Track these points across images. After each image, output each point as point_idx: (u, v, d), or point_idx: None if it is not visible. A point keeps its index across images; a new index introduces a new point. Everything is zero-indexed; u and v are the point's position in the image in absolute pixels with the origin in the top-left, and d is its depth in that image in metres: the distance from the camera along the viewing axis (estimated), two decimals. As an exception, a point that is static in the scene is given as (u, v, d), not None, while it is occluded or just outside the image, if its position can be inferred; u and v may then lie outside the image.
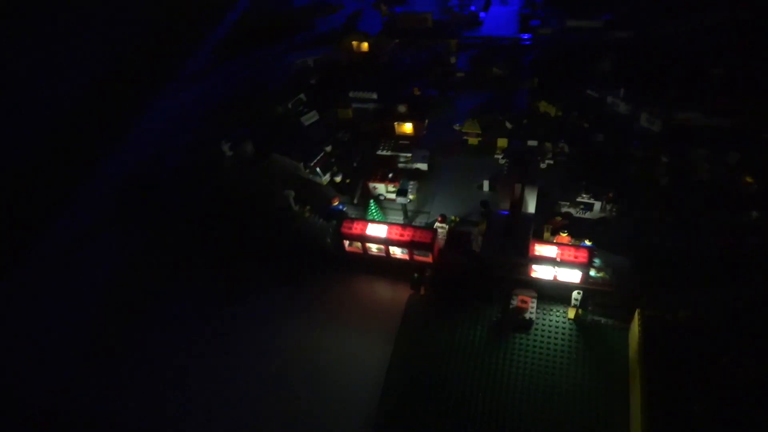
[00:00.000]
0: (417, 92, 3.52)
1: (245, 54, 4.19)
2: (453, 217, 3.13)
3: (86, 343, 3.06)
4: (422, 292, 3.08)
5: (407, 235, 3.08)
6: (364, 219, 3.23)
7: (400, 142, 3.29)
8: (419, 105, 3.45)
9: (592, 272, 2.88)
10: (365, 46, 3.84)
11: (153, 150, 3.62)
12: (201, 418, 2.78)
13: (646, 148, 3.04)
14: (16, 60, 6.38)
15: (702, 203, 2.97)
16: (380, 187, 3.59)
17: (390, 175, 3.55)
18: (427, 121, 3.36)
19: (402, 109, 3.32)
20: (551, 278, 2.83)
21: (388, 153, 3.39)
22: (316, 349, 2.98)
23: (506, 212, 2.79)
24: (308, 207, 3.17)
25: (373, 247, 3.18)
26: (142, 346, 3.04)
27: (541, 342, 2.96)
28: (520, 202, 2.86)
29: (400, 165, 3.69)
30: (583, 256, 2.77)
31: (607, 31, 3.78)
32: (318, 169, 3.29)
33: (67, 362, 3.02)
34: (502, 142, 3.72)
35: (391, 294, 3.14)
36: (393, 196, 3.34)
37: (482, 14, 4.09)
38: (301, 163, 3.25)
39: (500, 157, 3.28)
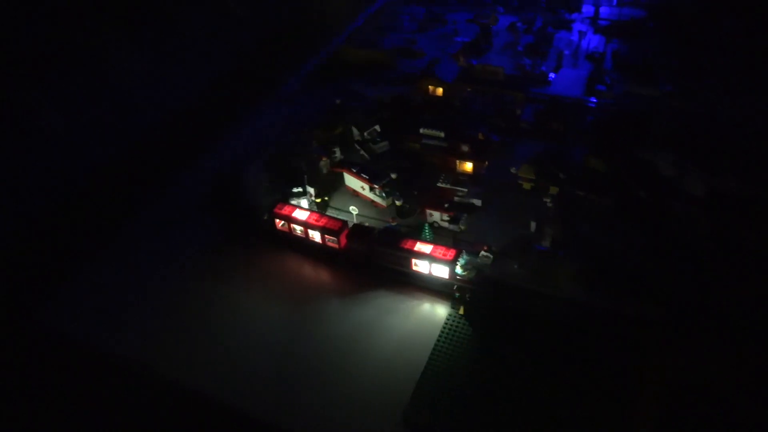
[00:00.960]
0: (481, 136, 3.84)
1: (334, 83, 4.64)
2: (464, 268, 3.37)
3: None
4: (461, 311, 3.38)
5: (321, 222, 3.51)
6: (418, 239, 3.65)
7: (460, 177, 3.61)
8: (481, 147, 3.76)
9: (459, 269, 3.18)
10: (440, 90, 4.23)
11: (241, 157, 4.05)
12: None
13: (688, 210, 3.22)
14: (132, 66, 7.18)
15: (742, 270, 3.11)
16: (435, 215, 3.92)
17: (446, 205, 3.88)
18: (486, 162, 3.67)
19: (465, 148, 3.65)
20: (427, 272, 3.20)
21: (447, 186, 3.72)
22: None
23: (543, 248, 3.06)
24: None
25: (297, 229, 3.51)
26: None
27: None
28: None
29: (457, 198, 4.02)
30: (450, 254, 3.12)
31: (666, 100, 4.01)
32: (382, 192, 3.63)
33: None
34: (553, 189, 3.99)
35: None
36: (446, 224, 3.66)
37: (552, 75, 4.41)
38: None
39: (548, 200, 3.56)
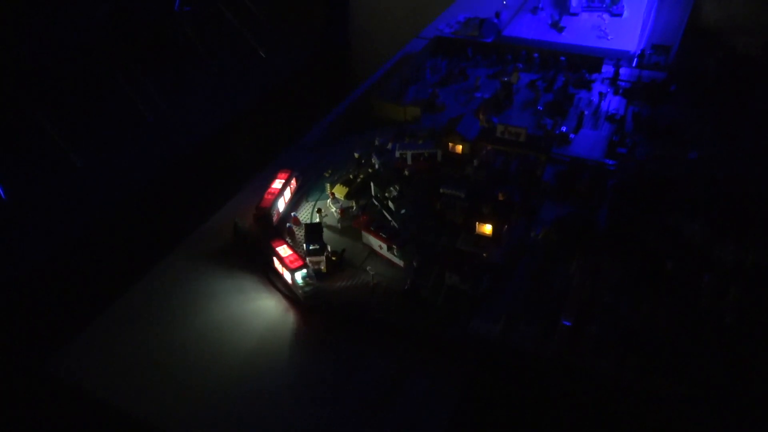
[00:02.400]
0: (501, 197, 3.81)
1: (354, 134, 4.68)
2: None
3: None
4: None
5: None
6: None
7: (480, 239, 3.57)
8: (502, 208, 3.73)
9: (299, 280, 3.15)
10: (460, 147, 4.24)
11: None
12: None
13: (716, 281, 3.15)
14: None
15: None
16: (454, 277, 3.85)
17: (465, 268, 3.81)
18: (506, 225, 3.63)
19: (485, 210, 3.62)
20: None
21: (467, 248, 3.66)
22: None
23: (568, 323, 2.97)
24: None
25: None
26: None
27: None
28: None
29: (477, 261, 3.94)
30: (297, 262, 3.08)
31: (693, 165, 3.97)
32: (400, 252, 3.60)
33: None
34: (577, 255, 3.91)
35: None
36: (465, 286, 3.58)
37: (572, 135, 4.41)
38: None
39: (573, 268, 3.48)
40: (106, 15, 7.93)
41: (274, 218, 3.82)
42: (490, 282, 3.24)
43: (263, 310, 3.28)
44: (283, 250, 3.39)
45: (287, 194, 3.95)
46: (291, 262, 3.45)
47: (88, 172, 6.65)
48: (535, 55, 5.44)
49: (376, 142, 4.40)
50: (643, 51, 5.26)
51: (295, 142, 4.69)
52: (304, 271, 3.24)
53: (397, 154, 4.15)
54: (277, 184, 3.89)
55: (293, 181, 4.03)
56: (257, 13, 8.71)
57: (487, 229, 3.61)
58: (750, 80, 4.61)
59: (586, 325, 2.91)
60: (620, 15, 6.30)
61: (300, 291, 3.23)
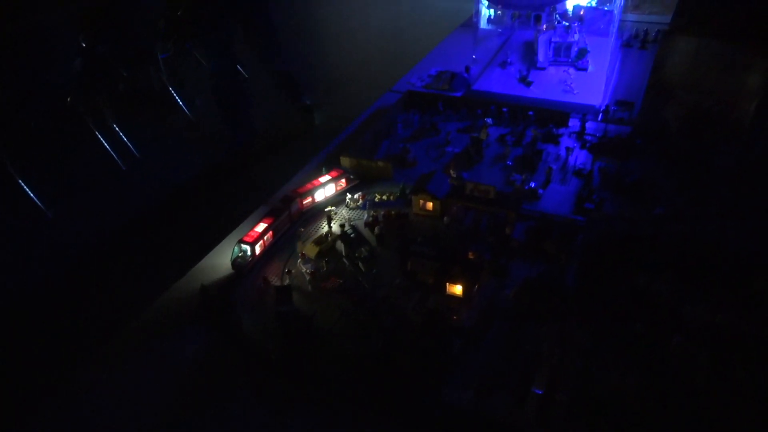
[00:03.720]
0: (472, 255, 3.81)
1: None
2: None
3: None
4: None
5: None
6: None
7: (451, 300, 3.55)
8: (472, 268, 3.72)
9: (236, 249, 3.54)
10: (430, 205, 4.25)
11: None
12: None
13: (686, 343, 3.15)
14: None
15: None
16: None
17: (436, 330, 3.77)
18: (477, 285, 3.62)
19: (455, 270, 3.61)
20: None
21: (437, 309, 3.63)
22: None
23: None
24: None
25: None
26: None
27: None
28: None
29: (448, 323, 3.90)
30: (250, 238, 3.55)
31: (659, 223, 4.02)
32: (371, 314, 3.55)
33: None
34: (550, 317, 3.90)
35: None
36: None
37: (541, 191, 4.46)
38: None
39: (545, 332, 3.46)
40: (81, 67, 7.93)
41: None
42: (461, 346, 3.21)
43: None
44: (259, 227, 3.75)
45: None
46: (248, 235, 3.71)
47: (60, 224, 6.54)
48: (504, 109, 5.55)
49: (347, 200, 4.40)
50: (607, 106, 5.39)
51: (265, 200, 4.66)
52: (247, 248, 3.58)
53: (367, 214, 4.15)
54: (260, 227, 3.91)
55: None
56: (239, 68, 8.80)
57: (458, 289, 3.59)
58: (711, 137, 4.75)
59: (557, 392, 2.88)
60: (585, 69, 6.49)
61: (234, 258, 3.59)
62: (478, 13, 7.61)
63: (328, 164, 4.91)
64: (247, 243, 3.66)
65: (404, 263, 3.77)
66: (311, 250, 3.82)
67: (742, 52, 4.57)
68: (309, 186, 4.30)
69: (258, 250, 3.76)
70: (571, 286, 3.56)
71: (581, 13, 7.04)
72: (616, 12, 6.63)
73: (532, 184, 4.51)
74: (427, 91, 6.34)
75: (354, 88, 7.24)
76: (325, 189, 4.36)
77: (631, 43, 7.48)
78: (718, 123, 4.84)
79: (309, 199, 4.35)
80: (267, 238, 3.85)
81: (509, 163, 4.89)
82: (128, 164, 7.53)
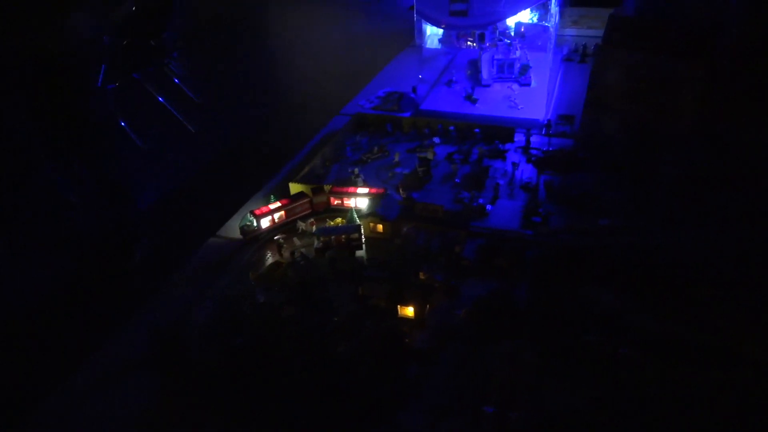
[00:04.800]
0: (422, 276, 3.82)
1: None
2: None
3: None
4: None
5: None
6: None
7: (403, 323, 3.54)
8: (423, 289, 3.73)
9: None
10: (381, 228, 4.26)
11: (185, 303, 3.85)
12: None
13: (633, 354, 3.22)
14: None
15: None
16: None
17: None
18: (428, 305, 3.62)
19: (406, 292, 3.61)
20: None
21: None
22: None
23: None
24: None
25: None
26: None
27: None
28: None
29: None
30: (264, 210, 3.87)
31: (605, 234, 4.12)
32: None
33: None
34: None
35: None
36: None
37: (489, 207, 4.52)
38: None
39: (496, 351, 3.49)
40: (24, 100, 7.68)
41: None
42: (416, 370, 3.19)
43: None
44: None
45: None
46: (260, 209, 4.11)
47: (7, 266, 6.26)
48: (451, 128, 5.62)
49: (298, 227, 4.37)
50: (549, 120, 5.52)
51: (215, 231, 4.59)
52: (252, 219, 4.05)
53: (317, 240, 4.13)
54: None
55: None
56: (186, 90, 8.65)
57: (409, 311, 3.59)
58: (651, 148, 4.90)
59: (509, 411, 2.90)
60: (528, 85, 6.64)
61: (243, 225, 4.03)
62: (421, 33, 7.74)
63: (277, 191, 4.88)
64: (255, 215, 4.14)
65: (356, 288, 3.75)
66: (263, 279, 3.77)
67: (674, 64, 4.77)
68: (346, 189, 4.43)
69: (266, 224, 4.14)
70: (523, 302, 3.60)
71: (522, 30, 7.22)
72: (551, 28, 6.82)
73: (481, 201, 4.57)
74: (376, 113, 6.39)
75: (302, 113, 7.22)
76: (357, 200, 4.36)
77: (572, 57, 7.70)
78: (658, 134, 5.02)
79: (340, 201, 4.41)
80: (279, 217, 4.17)
81: (457, 180, 4.95)
82: (78, 198, 7.29)
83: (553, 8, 6.63)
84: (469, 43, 6.86)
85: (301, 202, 4.14)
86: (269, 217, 4.13)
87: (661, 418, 2.94)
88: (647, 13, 5.00)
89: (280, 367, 3.26)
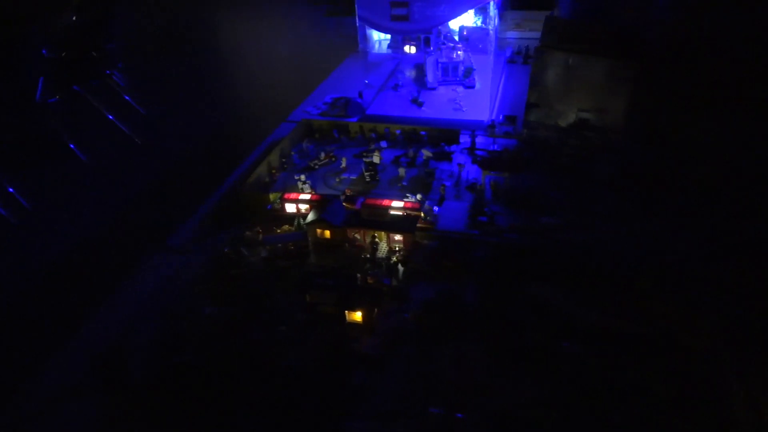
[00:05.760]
0: (370, 281, 3.82)
1: (226, 232, 4.54)
2: None
3: None
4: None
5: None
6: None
7: (351, 329, 3.53)
8: (371, 294, 3.73)
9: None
10: (328, 233, 4.24)
11: (128, 322, 3.75)
12: None
13: (578, 348, 3.29)
14: None
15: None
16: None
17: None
18: (377, 309, 3.62)
19: (354, 297, 3.61)
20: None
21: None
22: None
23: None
24: None
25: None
26: None
27: None
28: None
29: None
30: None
31: (549, 232, 4.20)
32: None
33: None
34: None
35: None
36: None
37: (436, 209, 4.56)
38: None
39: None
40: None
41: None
42: (364, 375, 3.18)
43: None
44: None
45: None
46: (291, 195, 4.47)
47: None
48: (398, 131, 5.64)
49: (245, 236, 4.31)
50: (492, 122, 5.61)
51: (161, 244, 4.48)
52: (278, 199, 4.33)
53: (264, 249, 4.08)
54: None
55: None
56: (132, 101, 8.45)
57: (358, 316, 3.58)
58: (589, 146, 5.03)
59: (456, 411, 2.92)
60: (473, 87, 6.74)
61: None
62: (366, 39, 7.76)
63: (225, 201, 4.81)
64: (281, 198, 4.51)
65: (304, 296, 3.72)
66: (213, 293, 3.71)
67: (606, 64, 4.92)
68: (380, 202, 4.37)
69: (289, 208, 4.45)
70: (470, 302, 3.63)
71: (464, 33, 7.33)
72: (491, 31, 6.95)
73: (428, 203, 4.60)
74: (323, 119, 6.36)
75: (249, 121, 7.14)
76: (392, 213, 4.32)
77: (515, 59, 7.86)
78: (596, 133, 5.17)
79: (376, 204, 4.37)
80: (305, 209, 4.39)
81: (405, 184, 4.98)
82: (19, 218, 7.00)
83: (492, 11, 6.75)
84: (407, 48, 6.92)
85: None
86: (294, 204, 4.44)
87: (606, 409, 3.01)
88: (581, 14, 5.16)
89: (227, 381, 3.20)
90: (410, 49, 6.72)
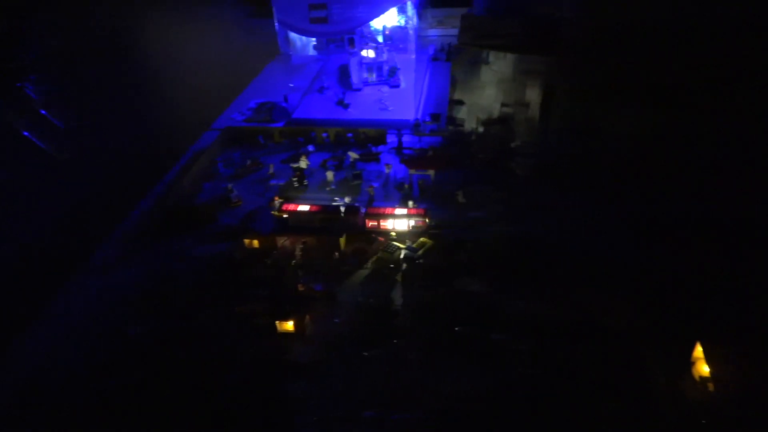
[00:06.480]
0: (301, 288, 3.78)
1: (152, 247, 4.37)
2: None
3: None
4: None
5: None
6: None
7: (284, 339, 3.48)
8: (302, 301, 3.69)
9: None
10: (257, 243, 4.17)
11: (52, 348, 3.55)
12: None
13: (507, 336, 3.37)
14: None
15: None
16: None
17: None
18: (308, 316, 3.59)
19: (285, 307, 3.56)
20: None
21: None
22: None
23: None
24: None
25: None
26: None
27: None
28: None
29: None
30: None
31: (476, 227, 4.28)
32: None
33: None
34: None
35: None
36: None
37: (364, 210, 4.56)
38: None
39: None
40: None
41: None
42: (301, 385, 3.15)
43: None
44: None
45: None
46: (290, 204, 4.38)
47: None
48: (324, 134, 5.61)
49: (177, 249, 4.18)
50: (417, 120, 5.66)
51: (84, 264, 4.29)
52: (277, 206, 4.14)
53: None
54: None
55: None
56: (49, 116, 7.97)
57: (289, 325, 3.54)
58: (510, 140, 5.16)
59: (391, 412, 2.93)
60: (398, 86, 6.78)
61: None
62: (288, 42, 7.67)
63: (148, 215, 4.64)
64: (280, 207, 4.37)
65: (234, 309, 3.64)
66: (139, 311, 3.58)
67: (521, 59, 5.05)
68: (383, 210, 4.41)
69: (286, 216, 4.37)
70: (401, 301, 3.66)
71: (387, 32, 7.36)
72: (411, 30, 7.02)
73: (356, 204, 4.60)
74: (248, 125, 6.24)
75: (172, 131, 6.92)
76: (396, 222, 4.32)
77: (438, 56, 7.96)
78: (516, 127, 5.31)
79: (375, 223, 4.37)
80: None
81: (333, 187, 4.96)
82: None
83: (410, 11, 6.82)
84: (364, 53, 6.79)
85: (328, 213, 4.42)
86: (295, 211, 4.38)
87: (536, 394, 3.10)
88: (497, 11, 5.27)
89: (156, 404, 3.10)
90: (369, 53, 6.65)
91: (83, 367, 3.34)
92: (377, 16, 6.73)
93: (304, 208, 4.33)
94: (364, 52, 7.05)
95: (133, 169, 7.25)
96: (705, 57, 4.46)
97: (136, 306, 3.68)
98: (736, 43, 4.33)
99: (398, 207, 4.43)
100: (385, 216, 4.29)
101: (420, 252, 4.09)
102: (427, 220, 4.37)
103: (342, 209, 4.40)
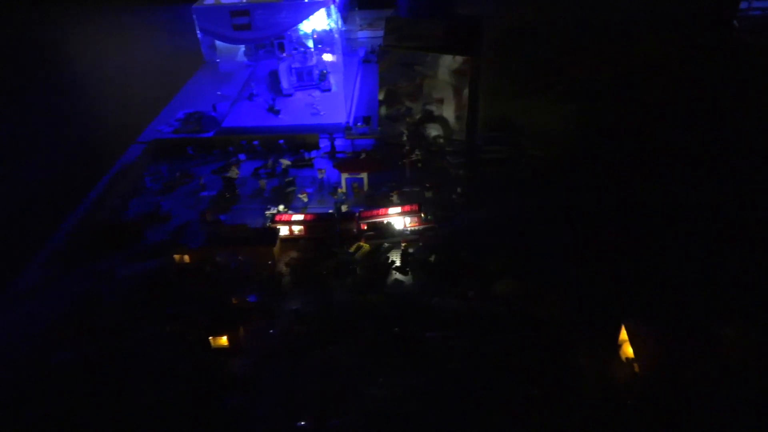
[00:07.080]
0: (235, 301, 3.73)
1: (76, 269, 4.22)
2: None
3: None
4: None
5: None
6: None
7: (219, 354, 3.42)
8: (237, 314, 3.64)
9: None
10: (188, 258, 4.09)
11: None
12: None
13: (441, 334, 3.42)
14: None
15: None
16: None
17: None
18: (242, 328, 3.54)
19: (219, 321, 3.51)
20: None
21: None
22: None
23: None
24: None
25: None
26: None
27: None
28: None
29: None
30: None
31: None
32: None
33: None
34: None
35: None
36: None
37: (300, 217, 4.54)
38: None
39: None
40: None
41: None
42: (238, 399, 3.11)
43: None
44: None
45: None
46: (283, 215, 4.35)
47: None
48: (255, 142, 5.55)
49: (103, 269, 4.06)
50: (348, 124, 5.68)
51: (2, 292, 4.11)
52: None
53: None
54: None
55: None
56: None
57: (224, 340, 3.49)
58: (438, 140, 5.24)
59: (327, 419, 2.93)
60: (329, 90, 6.77)
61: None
62: (212, 50, 7.55)
63: (75, 235, 4.49)
64: (276, 218, 4.34)
65: (165, 327, 3.56)
66: (63, 337, 3.47)
67: (446, 60, 5.15)
68: (377, 212, 4.34)
69: (284, 231, 4.17)
70: (337, 307, 3.66)
71: (315, 36, 7.34)
72: (335, 33, 7.03)
73: (290, 211, 4.57)
74: (176, 137, 6.10)
75: (95, 146, 6.68)
76: (392, 221, 4.29)
77: (369, 58, 8.00)
78: (443, 126, 5.40)
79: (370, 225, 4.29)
80: (298, 230, 4.21)
81: (266, 195, 4.91)
82: None
83: (334, 14, 6.82)
84: (325, 56, 6.68)
85: (323, 222, 4.28)
86: (287, 226, 4.26)
87: (473, 389, 3.16)
88: (420, 12, 5.34)
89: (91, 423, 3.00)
90: (331, 57, 6.59)
91: (3, 401, 3.19)
92: (301, 21, 6.70)
93: (298, 218, 4.28)
94: (324, 56, 7.01)
95: (53, 189, 6.96)
96: (616, 52, 4.67)
97: (60, 332, 3.54)
98: (643, 40, 4.55)
99: (390, 207, 4.45)
100: (380, 217, 4.31)
101: (356, 256, 4.10)
102: (422, 215, 4.41)
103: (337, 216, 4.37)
